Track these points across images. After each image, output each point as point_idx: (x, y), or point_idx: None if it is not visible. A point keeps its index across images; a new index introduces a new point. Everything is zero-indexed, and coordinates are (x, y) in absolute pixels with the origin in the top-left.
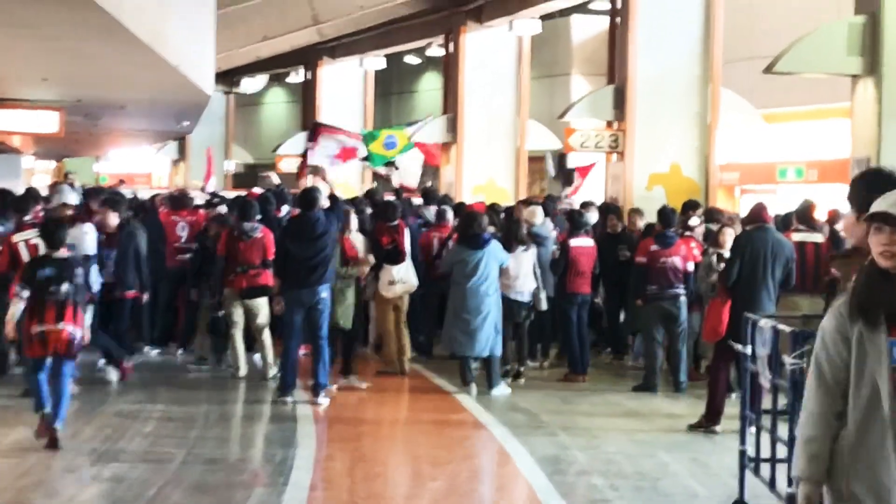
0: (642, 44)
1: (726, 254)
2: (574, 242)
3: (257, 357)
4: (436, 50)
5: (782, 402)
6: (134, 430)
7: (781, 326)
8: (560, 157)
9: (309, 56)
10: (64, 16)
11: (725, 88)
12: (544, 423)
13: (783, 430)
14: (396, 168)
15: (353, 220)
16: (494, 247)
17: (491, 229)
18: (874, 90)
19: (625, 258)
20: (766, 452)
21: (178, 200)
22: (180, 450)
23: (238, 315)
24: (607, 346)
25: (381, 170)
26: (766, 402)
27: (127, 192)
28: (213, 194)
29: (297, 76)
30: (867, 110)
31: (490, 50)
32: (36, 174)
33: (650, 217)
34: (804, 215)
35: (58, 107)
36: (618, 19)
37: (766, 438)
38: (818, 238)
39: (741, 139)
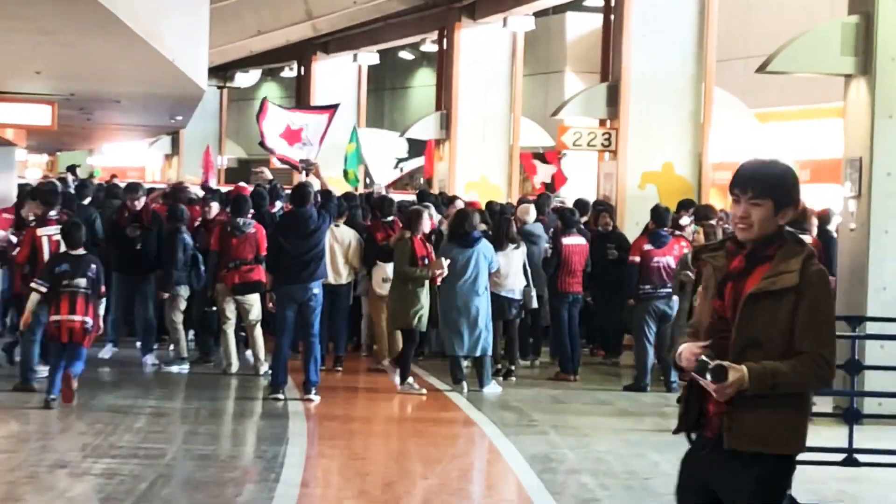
0: (636, 42)
1: None
2: (566, 241)
3: (248, 353)
4: (430, 46)
5: None
6: (125, 425)
7: None
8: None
9: (303, 51)
10: (58, 9)
11: (719, 87)
12: (535, 421)
13: None
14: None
15: (426, 222)
16: (484, 245)
17: (482, 227)
18: (867, 90)
19: (613, 257)
20: None
21: (175, 196)
22: (171, 445)
23: (230, 311)
24: (597, 344)
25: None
26: None
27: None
28: (207, 188)
29: (290, 71)
30: (860, 110)
31: (484, 46)
32: (29, 167)
33: (643, 216)
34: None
35: (51, 100)
36: (612, 17)
37: None
38: (807, 238)
39: (734, 138)
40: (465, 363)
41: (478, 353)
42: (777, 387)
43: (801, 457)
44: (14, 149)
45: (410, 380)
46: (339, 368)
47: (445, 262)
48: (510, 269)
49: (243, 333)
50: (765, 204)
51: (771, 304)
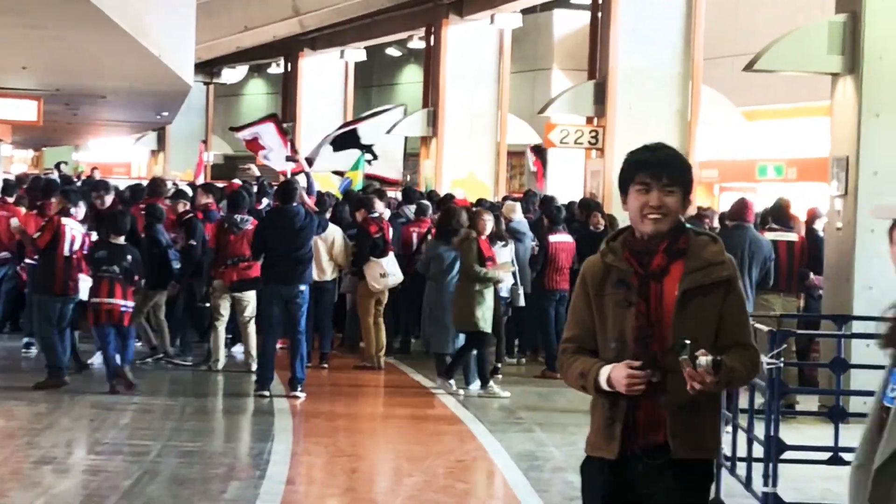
0: (623, 39)
1: None
2: (553, 238)
3: (235, 349)
4: (417, 42)
5: (759, 401)
6: (111, 421)
7: (759, 326)
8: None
9: (290, 47)
10: (45, 3)
11: (706, 85)
12: (521, 419)
13: (760, 429)
14: (375, 158)
15: (489, 223)
16: None
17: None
18: (854, 89)
19: None
20: (742, 451)
21: (152, 190)
22: (157, 442)
23: (225, 308)
24: None
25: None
26: (743, 401)
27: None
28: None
29: (277, 67)
30: (847, 109)
31: (471, 43)
32: (14, 163)
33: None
34: (778, 214)
35: (37, 95)
36: (599, 14)
37: (742, 437)
38: (792, 237)
39: (721, 136)
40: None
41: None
42: (731, 382)
43: (786, 455)
44: None
45: (452, 382)
46: (325, 365)
47: (511, 265)
48: None
49: (229, 336)
50: (677, 192)
51: (702, 299)
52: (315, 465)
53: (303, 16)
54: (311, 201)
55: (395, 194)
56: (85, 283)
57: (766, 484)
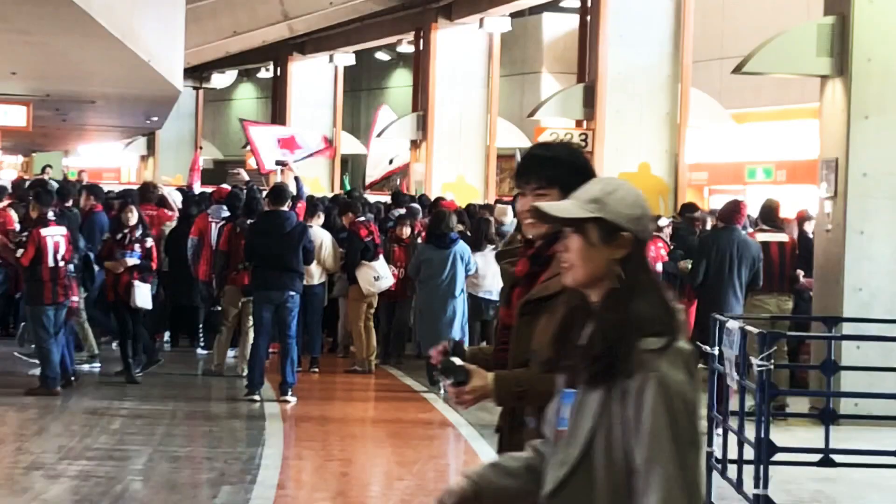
0: (612, 43)
1: None
2: None
3: (231, 354)
4: (406, 46)
5: (749, 403)
6: (101, 426)
7: (749, 328)
8: None
9: (279, 52)
10: (33, 9)
11: (695, 88)
12: None
13: (750, 431)
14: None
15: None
16: (461, 247)
17: (459, 228)
18: (843, 91)
19: None
20: (733, 453)
21: (142, 195)
22: (147, 447)
23: (233, 313)
24: None
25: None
26: (734, 404)
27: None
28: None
29: (266, 72)
30: (836, 111)
31: (460, 47)
32: (4, 168)
33: None
34: (768, 215)
35: (26, 101)
36: (588, 18)
37: (733, 439)
38: (783, 237)
39: (710, 139)
40: None
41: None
42: (525, 397)
43: (777, 457)
44: None
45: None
46: (316, 370)
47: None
48: (488, 269)
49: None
50: (551, 194)
51: (546, 311)
52: (306, 470)
53: (292, 20)
54: (301, 206)
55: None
56: (142, 290)
57: (756, 486)
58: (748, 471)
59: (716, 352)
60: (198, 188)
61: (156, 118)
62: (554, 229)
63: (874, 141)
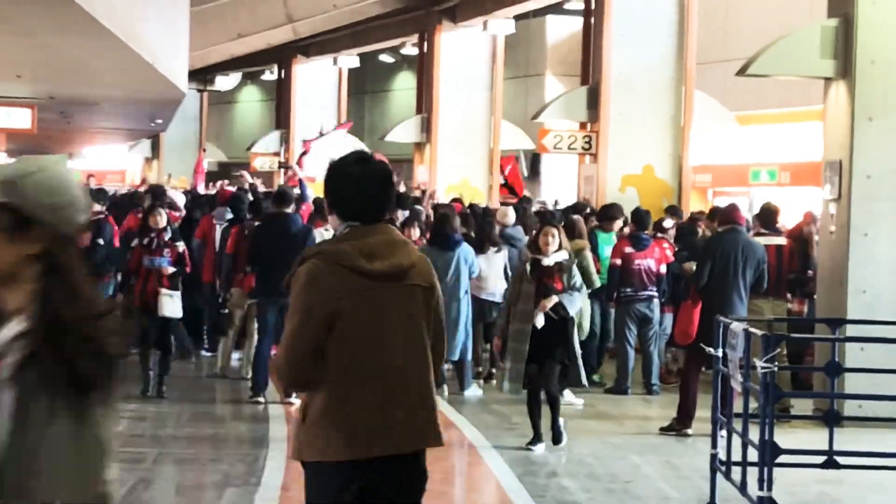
0: (616, 45)
1: None
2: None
3: (235, 357)
4: (410, 49)
5: (753, 405)
6: None
7: (753, 330)
8: (533, 158)
9: (283, 54)
10: (38, 11)
11: (699, 90)
12: (516, 424)
13: (754, 433)
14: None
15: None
16: (465, 249)
17: (463, 230)
18: (847, 93)
19: None
20: (737, 455)
21: (153, 197)
22: (152, 449)
23: (239, 316)
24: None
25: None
26: (738, 406)
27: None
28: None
29: (271, 74)
30: (840, 113)
31: (464, 50)
32: None
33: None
34: (766, 219)
35: (31, 104)
36: (592, 20)
37: (737, 441)
38: (780, 241)
39: (714, 141)
40: (445, 366)
41: (456, 357)
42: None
43: (781, 459)
44: None
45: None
46: None
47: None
48: (491, 272)
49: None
50: None
51: None
52: None
53: (296, 23)
54: (305, 208)
55: None
56: (170, 298)
57: (761, 488)
58: (752, 473)
59: (720, 354)
60: (202, 190)
61: (160, 120)
62: None
63: (878, 143)
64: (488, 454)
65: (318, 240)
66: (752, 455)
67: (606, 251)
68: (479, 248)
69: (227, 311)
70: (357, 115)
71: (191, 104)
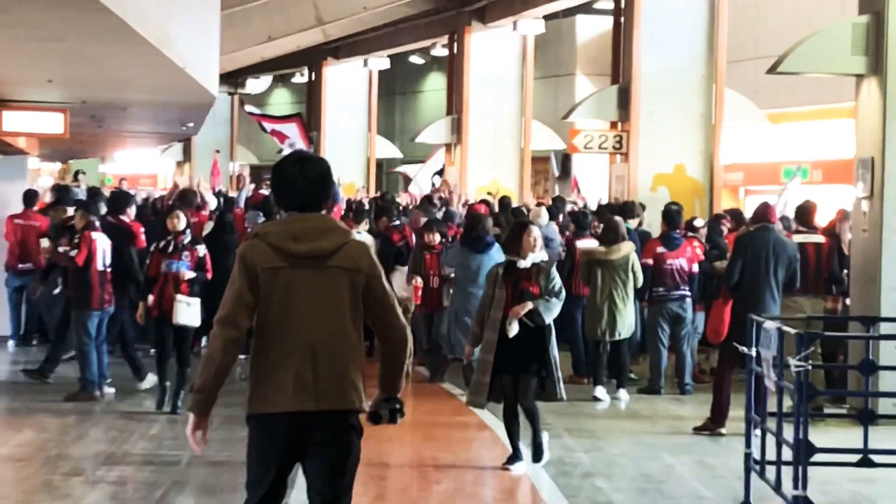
0: (646, 44)
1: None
2: (580, 244)
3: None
4: (440, 50)
5: (787, 404)
6: (139, 432)
7: (786, 328)
8: (564, 158)
9: (313, 56)
10: (69, 17)
11: (730, 88)
12: (548, 424)
13: (788, 432)
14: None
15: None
16: (496, 250)
17: (496, 230)
18: (878, 90)
19: None
20: (771, 455)
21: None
22: (186, 452)
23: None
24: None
25: None
26: (772, 405)
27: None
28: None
29: (301, 77)
30: (871, 110)
31: (494, 50)
32: (42, 175)
33: (654, 218)
34: (804, 217)
35: (63, 108)
36: (622, 19)
37: (771, 441)
38: (819, 239)
39: (745, 139)
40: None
41: None
42: None
43: (816, 458)
44: (26, 157)
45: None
46: None
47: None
48: None
49: None
50: None
51: None
52: None
53: (326, 25)
54: (336, 210)
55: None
56: (186, 306)
57: (795, 487)
58: (787, 472)
59: (753, 353)
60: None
61: (191, 124)
62: None
63: None
64: (522, 455)
65: None
66: (787, 454)
67: None
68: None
69: None
70: (387, 117)
71: (222, 107)
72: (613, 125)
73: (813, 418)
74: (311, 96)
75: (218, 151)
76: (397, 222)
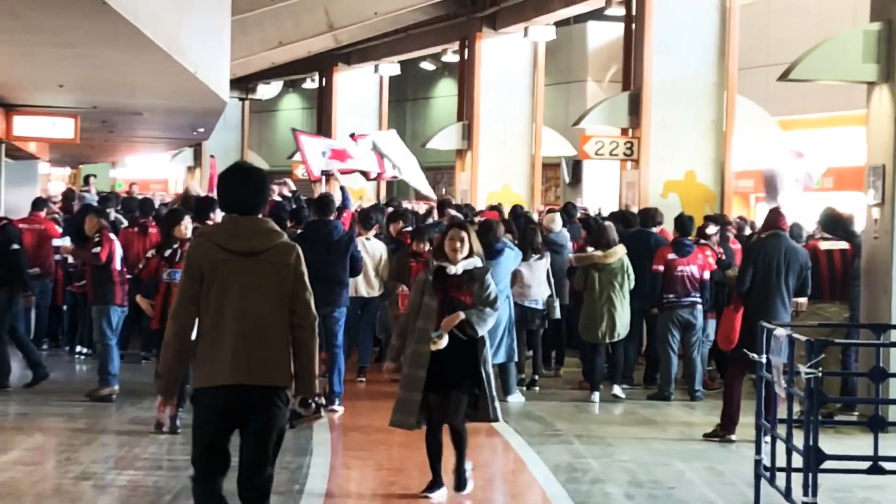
0: (657, 51)
1: None
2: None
3: None
4: (451, 56)
5: (798, 410)
6: (149, 437)
7: (797, 335)
8: (575, 165)
9: (324, 62)
10: (81, 23)
11: (741, 95)
12: (559, 430)
13: (798, 439)
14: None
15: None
16: (507, 257)
17: (508, 237)
18: (890, 97)
19: None
20: (781, 461)
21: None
22: None
23: None
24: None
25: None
26: (782, 411)
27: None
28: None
29: (312, 82)
30: (883, 117)
31: (505, 56)
32: (52, 181)
33: (666, 224)
34: (829, 224)
35: (74, 113)
36: (633, 26)
37: (781, 447)
38: (843, 245)
39: (757, 146)
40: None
41: (503, 359)
42: None
43: (826, 465)
44: (37, 162)
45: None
46: (363, 379)
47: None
48: (533, 279)
49: None
50: None
51: None
52: (354, 479)
53: (337, 31)
54: (347, 215)
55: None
56: None
57: (805, 494)
58: (797, 479)
59: (763, 360)
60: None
61: (202, 129)
62: None
63: None
64: (532, 461)
65: (360, 248)
66: (797, 461)
67: None
68: (523, 255)
69: None
70: (398, 123)
71: (232, 113)
72: (624, 132)
73: (823, 425)
74: (321, 102)
75: (212, 156)
76: (409, 228)
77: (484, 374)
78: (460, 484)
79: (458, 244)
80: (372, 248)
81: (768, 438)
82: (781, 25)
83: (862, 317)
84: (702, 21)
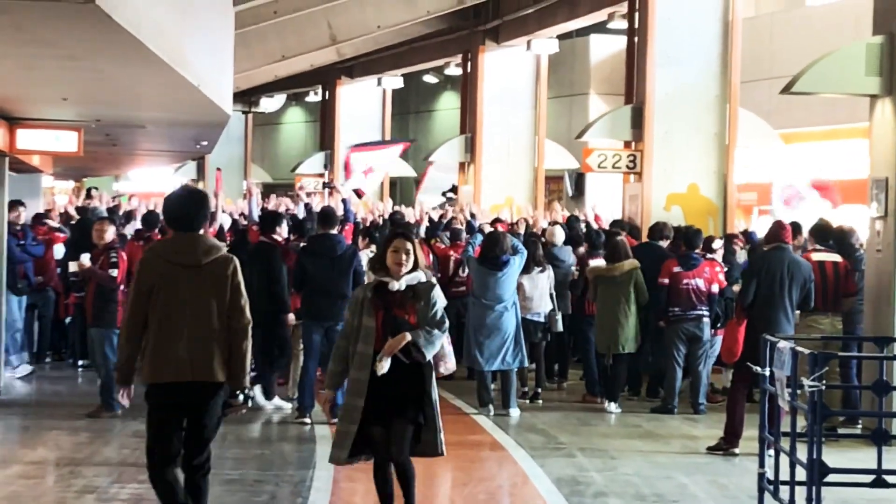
0: (660, 64)
1: None
2: (593, 263)
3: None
4: (454, 69)
5: (801, 424)
6: None
7: (800, 348)
8: (578, 177)
9: (327, 75)
10: (84, 35)
11: (743, 108)
12: (562, 444)
13: (802, 452)
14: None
15: None
16: (512, 268)
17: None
18: (893, 110)
19: None
20: (785, 475)
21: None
22: None
23: (298, 338)
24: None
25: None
26: (785, 424)
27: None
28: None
29: (315, 95)
30: (885, 130)
31: (508, 69)
32: (56, 194)
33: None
34: (822, 235)
35: (77, 126)
36: (635, 39)
37: (785, 461)
38: (836, 257)
39: (759, 159)
40: (492, 385)
41: (514, 366)
42: None
43: (829, 478)
44: (41, 175)
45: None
46: None
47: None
48: (535, 292)
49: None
50: None
51: None
52: (357, 492)
53: (340, 44)
54: (349, 228)
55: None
56: None
57: None
58: (800, 492)
59: (767, 373)
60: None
61: (205, 142)
62: None
63: None
64: (535, 474)
65: (363, 262)
66: (800, 474)
67: None
68: (524, 268)
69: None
70: (401, 136)
71: (236, 126)
72: (627, 145)
73: (827, 438)
74: (324, 115)
75: (219, 169)
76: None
77: (431, 402)
78: None
79: (403, 257)
80: None
81: (772, 451)
82: (784, 38)
83: (865, 329)
84: (704, 34)
